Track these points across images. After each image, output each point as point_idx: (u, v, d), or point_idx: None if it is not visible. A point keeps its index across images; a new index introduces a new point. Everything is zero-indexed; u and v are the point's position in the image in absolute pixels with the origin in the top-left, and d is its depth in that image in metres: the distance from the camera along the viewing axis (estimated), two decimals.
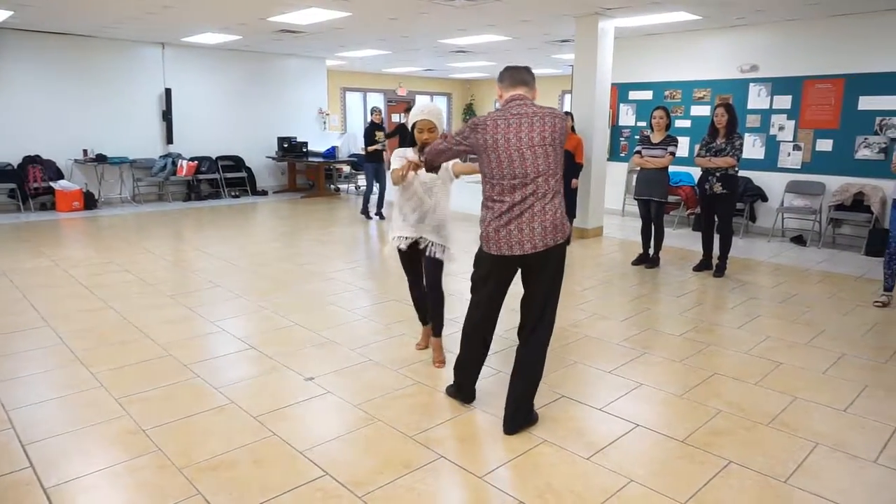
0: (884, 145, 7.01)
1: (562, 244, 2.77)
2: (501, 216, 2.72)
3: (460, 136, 2.84)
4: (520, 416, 2.89)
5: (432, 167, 3.17)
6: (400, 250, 3.53)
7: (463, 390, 3.14)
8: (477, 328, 2.98)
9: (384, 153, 9.39)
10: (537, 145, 2.68)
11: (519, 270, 2.85)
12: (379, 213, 9.01)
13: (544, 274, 2.79)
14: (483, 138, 2.72)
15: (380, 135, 9.12)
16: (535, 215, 2.69)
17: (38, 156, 9.28)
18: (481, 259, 2.89)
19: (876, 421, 3.04)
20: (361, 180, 12.58)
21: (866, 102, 7.11)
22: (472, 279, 2.96)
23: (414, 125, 3.38)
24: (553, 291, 2.85)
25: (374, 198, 9.22)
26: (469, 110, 18.59)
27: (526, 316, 2.89)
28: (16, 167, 9.12)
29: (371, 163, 9.11)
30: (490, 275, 2.86)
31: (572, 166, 7.04)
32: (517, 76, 2.81)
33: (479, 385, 3.37)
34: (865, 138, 7.16)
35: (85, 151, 9.72)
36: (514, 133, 2.68)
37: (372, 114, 9.44)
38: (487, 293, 2.90)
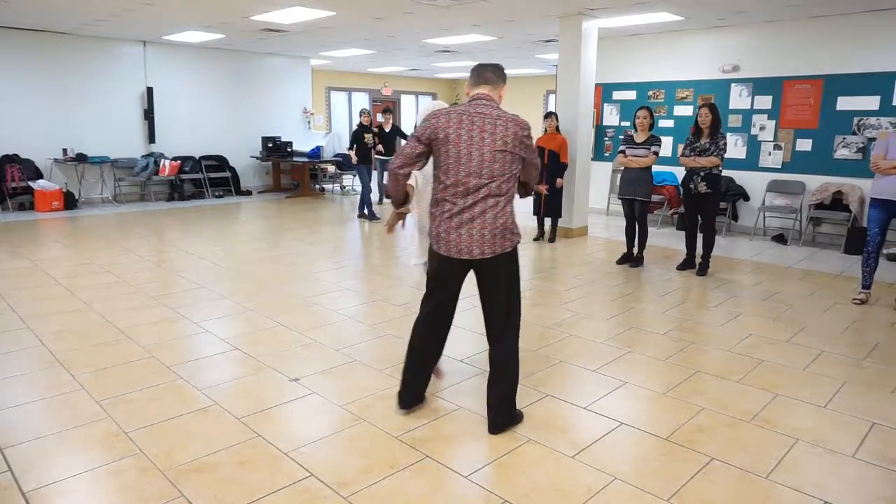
0: (861, 145, 7.13)
1: (511, 250, 2.78)
2: (452, 218, 2.70)
3: (414, 137, 2.75)
4: (501, 416, 2.89)
5: (401, 202, 2.96)
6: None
7: (402, 395, 3.05)
8: (426, 321, 2.93)
9: (372, 152, 9.39)
10: (498, 150, 2.65)
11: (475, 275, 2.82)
12: (366, 214, 8.96)
13: (499, 279, 2.79)
14: (441, 132, 2.67)
15: (368, 137, 9.12)
16: (486, 222, 2.67)
17: (16, 155, 9.12)
18: (432, 256, 2.88)
19: (854, 417, 3.09)
20: (346, 180, 12.56)
21: (844, 103, 7.23)
22: (427, 273, 2.97)
23: None
24: (511, 295, 2.85)
25: (356, 198, 9.20)
26: None
27: (490, 321, 2.87)
28: None
29: (363, 165, 9.13)
30: (438, 272, 2.86)
31: (557, 166, 7.09)
32: (482, 75, 2.78)
33: (463, 384, 3.39)
34: (844, 138, 7.27)
35: (65, 151, 9.57)
36: (477, 131, 2.65)
37: (360, 115, 9.38)
38: (438, 287, 2.88)
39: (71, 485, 2.44)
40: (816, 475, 2.57)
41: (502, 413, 2.89)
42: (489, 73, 2.78)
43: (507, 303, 2.83)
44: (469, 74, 2.84)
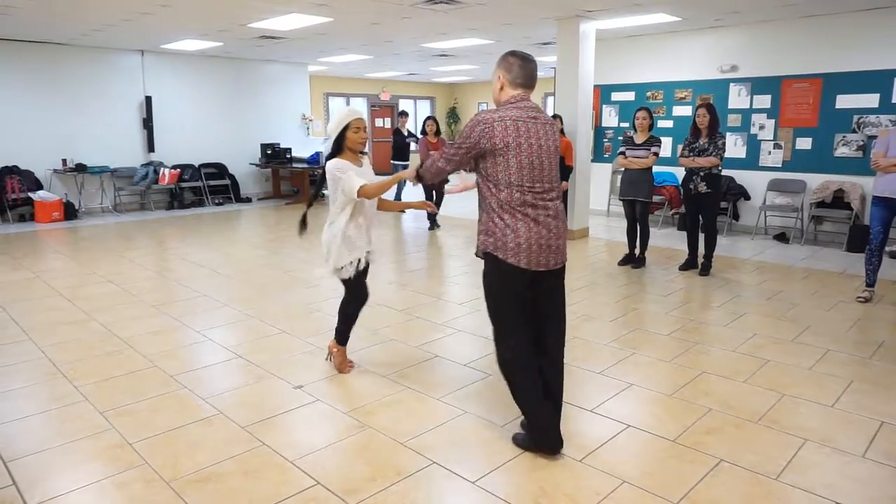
0: (861, 143, 7.12)
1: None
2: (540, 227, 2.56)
3: (461, 141, 2.57)
4: None
5: (431, 184, 3.11)
6: (361, 269, 3.54)
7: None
8: (520, 356, 2.65)
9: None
10: (553, 154, 2.61)
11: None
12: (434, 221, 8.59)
13: (558, 290, 2.72)
14: (500, 140, 2.48)
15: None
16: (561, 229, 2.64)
17: (15, 166, 9.13)
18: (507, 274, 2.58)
19: (862, 416, 3.07)
20: None
21: (843, 101, 7.22)
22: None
23: (347, 126, 3.26)
24: (564, 308, 2.81)
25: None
26: (453, 114, 18.60)
27: (547, 333, 2.73)
28: None
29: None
30: (518, 293, 2.63)
31: (562, 169, 7.08)
32: (533, 76, 2.59)
33: (468, 388, 3.37)
34: (844, 136, 7.27)
35: (64, 161, 9.58)
36: (535, 137, 2.53)
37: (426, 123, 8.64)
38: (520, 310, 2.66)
39: (76, 498, 2.42)
40: (826, 476, 2.55)
41: None
42: (534, 77, 2.62)
43: (561, 317, 2.83)
44: (507, 67, 2.59)
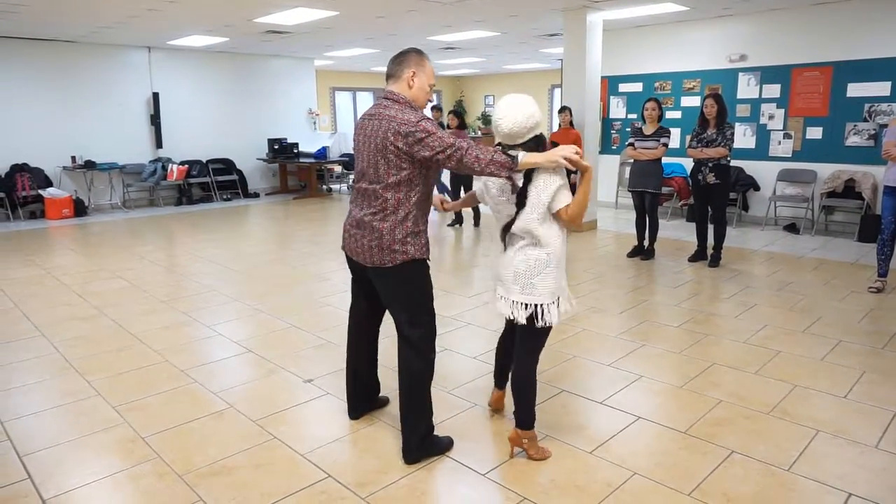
0: (873, 132, 7.04)
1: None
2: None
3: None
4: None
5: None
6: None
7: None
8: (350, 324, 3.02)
9: None
10: (371, 152, 2.50)
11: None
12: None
13: (386, 296, 2.73)
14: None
15: None
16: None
17: (25, 164, 9.18)
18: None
19: (875, 406, 3.05)
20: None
21: (854, 89, 7.14)
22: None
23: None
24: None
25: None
26: (459, 106, 18.55)
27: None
28: (3, 176, 9.02)
29: None
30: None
31: None
32: (390, 69, 2.62)
33: (478, 383, 3.37)
34: (855, 125, 7.19)
35: (73, 158, 9.63)
36: (364, 134, 2.57)
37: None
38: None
39: (90, 491, 2.45)
40: (839, 467, 2.53)
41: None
42: (392, 66, 2.61)
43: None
44: None
